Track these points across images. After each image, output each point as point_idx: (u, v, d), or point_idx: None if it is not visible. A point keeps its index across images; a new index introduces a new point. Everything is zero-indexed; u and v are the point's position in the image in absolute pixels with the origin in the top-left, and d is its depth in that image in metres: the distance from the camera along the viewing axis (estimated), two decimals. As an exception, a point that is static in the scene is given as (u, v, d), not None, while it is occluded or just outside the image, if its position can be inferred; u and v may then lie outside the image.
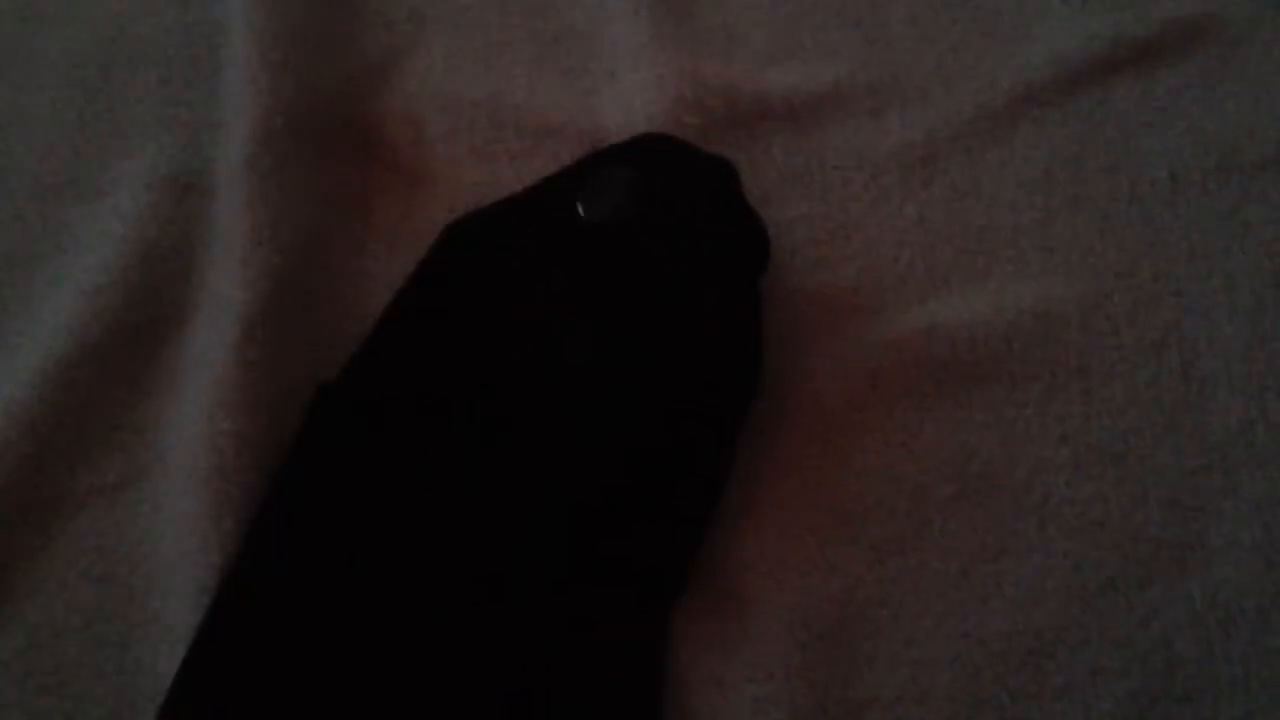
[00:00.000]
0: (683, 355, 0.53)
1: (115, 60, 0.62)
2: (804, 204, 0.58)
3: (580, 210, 0.54)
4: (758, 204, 0.55)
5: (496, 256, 0.54)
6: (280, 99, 0.59)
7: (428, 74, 0.62)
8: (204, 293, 0.56)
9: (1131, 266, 0.56)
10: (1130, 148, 0.59)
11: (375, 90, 0.61)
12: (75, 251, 0.58)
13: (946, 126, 0.59)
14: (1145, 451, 0.52)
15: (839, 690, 0.48)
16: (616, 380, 0.52)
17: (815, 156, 0.59)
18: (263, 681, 0.47)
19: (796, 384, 0.54)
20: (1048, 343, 0.54)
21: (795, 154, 0.59)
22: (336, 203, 0.59)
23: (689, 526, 0.50)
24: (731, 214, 0.55)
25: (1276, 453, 0.51)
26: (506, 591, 0.49)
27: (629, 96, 0.60)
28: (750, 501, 0.52)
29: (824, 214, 0.58)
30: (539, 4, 0.63)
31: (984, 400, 0.53)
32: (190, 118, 0.61)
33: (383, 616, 0.48)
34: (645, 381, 0.52)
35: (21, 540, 0.51)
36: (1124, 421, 0.53)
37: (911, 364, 0.54)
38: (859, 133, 0.60)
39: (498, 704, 0.47)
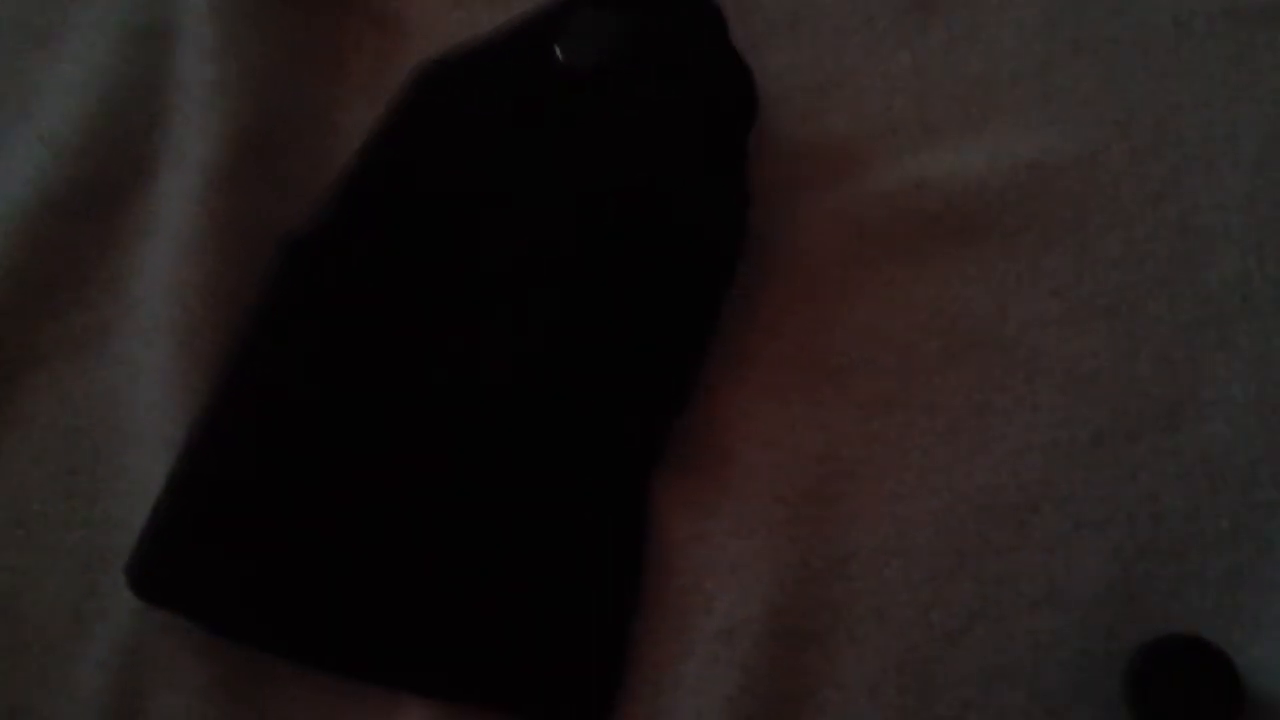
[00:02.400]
0: (665, 211, 0.51)
1: (70, -103, 0.58)
2: (794, 51, 0.56)
3: (558, 55, 0.52)
4: (745, 51, 0.53)
5: (469, 103, 0.52)
6: (245, -60, 0.56)
7: (400, -86, 0.59)
8: (169, 143, 0.54)
9: (1132, 116, 0.54)
10: (1134, -7, 0.56)
11: (346, -69, 0.58)
12: (35, 100, 0.55)
13: (944, -32, 0.57)
14: (1139, 305, 0.51)
15: (822, 545, 0.47)
16: (595, 235, 0.50)
17: (806, 1, 0.57)
18: (230, 538, 0.46)
19: (783, 240, 0.52)
20: (1043, 195, 0.52)
21: (785, -1, 0.57)
22: (306, 51, 0.56)
23: (670, 387, 0.49)
24: (718, 62, 0.53)
25: (1272, 307, 0.50)
26: (482, 455, 0.48)
27: (612, -62, 0.57)
28: (735, 360, 0.50)
29: (814, 62, 0.56)
30: None
31: (975, 255, 0.52)
32: (150, -39, 0.58)
33: (353, 475, 0.47)
34: (625, 237, 0.50)
35: (-14, 394, 0.50)
36: (1118, 275, 0.51)
37: (901, 218, 0.52)
38: (852, -24, 0.57)
39: (475, 568, 0.47)
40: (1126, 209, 0.52)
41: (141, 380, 0.49)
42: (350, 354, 0.49)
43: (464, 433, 0.48)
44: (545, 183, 0.51)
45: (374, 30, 0.58)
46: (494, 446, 0.48)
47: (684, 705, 0.45)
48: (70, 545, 0.47)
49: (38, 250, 0.52)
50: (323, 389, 0.48)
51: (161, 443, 0.48)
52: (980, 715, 0.45)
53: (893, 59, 0.55)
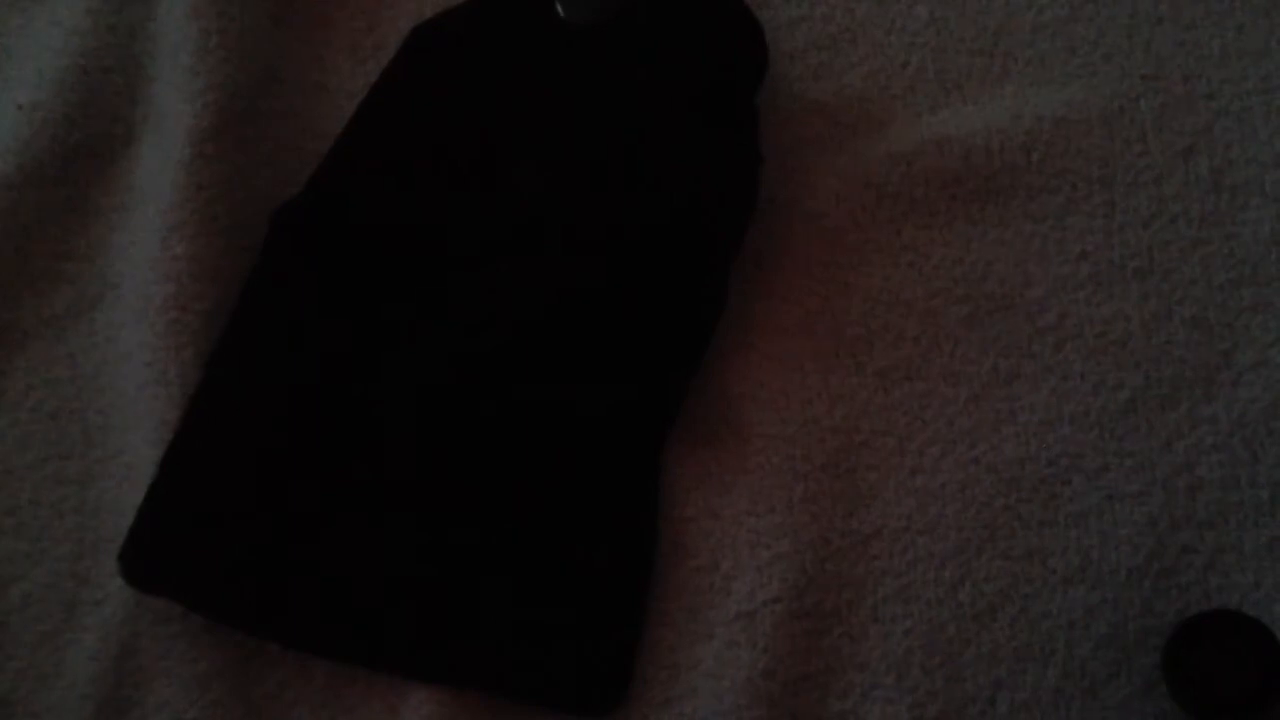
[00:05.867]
0: (671, 174, 0.49)
1: None
2: (804, 4, 0.53)
3: (559, 10, 0.50)
4: (753, 4, 0.51)
5: (467, 63, 0.50)
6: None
7: None
8: (151, 108, 0.52)
9: (1160, 68, 0.52)
10: (1161, -61, 0.54)
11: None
12: (10, 65, 0.53)
13: (961, -85, 0.54)
14: (1171, 266, 0.49)
15: (842, 521, 0.45)
16: (598, 200, 0.48)
17: (817, -48, 0.54)
18: (226, 522, 0.44)
19: (796, 203, 0.50)
20: (1069, 152, 0.50)
21: (795, -50, 0.55)
22: (292, 11, 0.54)
23: (680, 356, 0.47)
24: (726, 16, 0.50)
25: (1311, 266, 0.48)
26: (486, 427, 0.46)
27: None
28: (748, 329, 0.48)
29: (826, 15, 0.53)
30: None
31: (999, 215, 0.50)
32: (130, -83, 0.56)
33: (354, 454, 0.45)
34: (629, 201, 0.48)
35: (-33, 376, 0.47)
36: (1149, 235, 0.49)
37: (921, 179, 0.50)
38: (865, -75, 0.55)
39: (480, 548, 0.45)
40: (1156, 165, 0.50)
41: (130, 360, 0.47)
42: (349, 325, 0.47)
43: (468, 403, 0.46)
44: (547, 142, 0.49)
45: (364, -12, 0.55)
46: (498, 418, 0.46)
47: (702, 689, 0.43)
48: (61, 533, 0.45)
49: (15, 222, 0.50)
50: (321, 364, 0.46)
51: (154, 425, 0.46)
52: (1011, 695, 0.43)
53: (909, 12, 0.53)
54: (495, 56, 0.50)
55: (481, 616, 0.44)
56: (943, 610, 0.44)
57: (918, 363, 0.48)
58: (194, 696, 0.42)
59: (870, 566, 0.45)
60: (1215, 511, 0.45)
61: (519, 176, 0.48)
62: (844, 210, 0.50)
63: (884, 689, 0.43)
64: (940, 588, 0.44)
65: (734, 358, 0.48)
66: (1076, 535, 0.45)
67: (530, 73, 0.49)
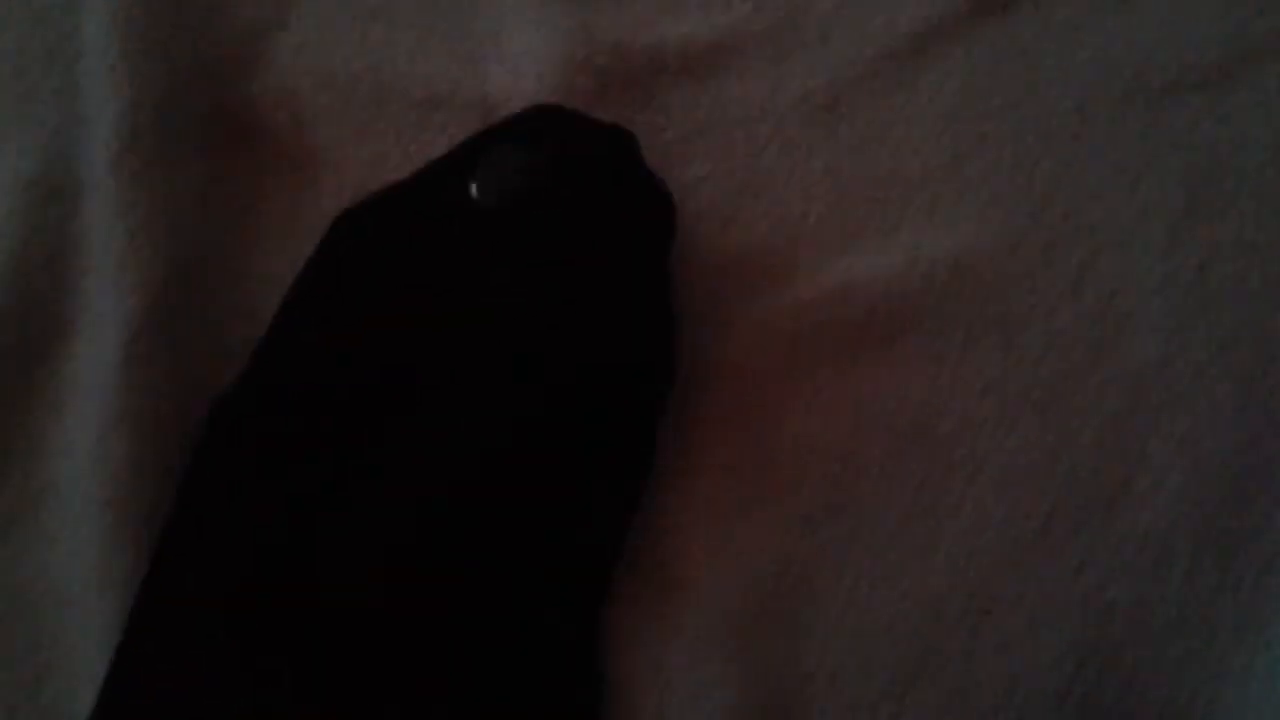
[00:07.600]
0: (591, 341, 0.51)
1: (-41, 56, 0.57)
2: (708, 163, 0.56)
3: (473, 193, 0.52)
4: (659, 166, 0.53)
5: (389, 248, 0.52)
6: (144, 88, 0.55)
7: (301, 48, 0.58)
8: (81, 307, 0.53)
9: (1043, 205, 0.55)
10: (1035, 79, 0.57)
11: (245, 69, 0.58)
12: (-64, 270, 0.54)
13: (849, 70, 0.57)
14: (1067, 396, 0.51)
15: (780, 667, 0.47)
16: (522, 372, 0.50)
17: (716, 110, 0.57)
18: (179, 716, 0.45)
19: (714, 357, 0.52)
20: (963, 292, 0.53)
21: (695, 109, 0.57)
22: (216, 199, 0.55)
23: (610, 523, 0.49)
24: (634, 186, 0.53)
25: (1197, 388, 0.51)
26: (419, 605, 0.47)
27: (517, 59, 0.57)
28: (675, 483, 0.50)
29: (729, 172, 0.56)
30: (413, -34, 0.60)
31: (905, 355, 0.52)
32: (48, 115, 0.57)
33: (296, 641, 0.46)
34: (552, 372, 0.50)
35: (-91, 590, 0.48)
36: (1044, 367, 0.52)
37: (829, 325, 0.53)
38: (759, 82, 0.57)
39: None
40: (1046, 300, 0.53)
41: (74, 560, 0.48)
42: (281, 520, 0.48)
43: (401, 591, 0.47)
44: (468, 322, 0.51)
45: (284, 170, 0.57)
46: (431, 602, 0.47)
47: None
48: (10, 746, 0.46)
49: (-48, 428, 0.50)
50: (259, 560, 0.47)
51: (100, 626, 0.46)
52: (952, 830, 0.45)
53: (806, 164, 0.56)
54: (412, 239, 0.51)
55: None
56: (880, 751, 0.46)
57: (841, 503, 0.50)
58: None
59: (808, 710, 0.46)
60: (1129, 632, 0.47)
61: (442, 353, 0.50)
62: (760, 360, 0.52)
63: (830, 833, 0.45)
64: (876, 728, 0.46)
65: (663, 512, 0.50)
66: (999, 664, 0.47)
67: (448, 255, 0.51)
